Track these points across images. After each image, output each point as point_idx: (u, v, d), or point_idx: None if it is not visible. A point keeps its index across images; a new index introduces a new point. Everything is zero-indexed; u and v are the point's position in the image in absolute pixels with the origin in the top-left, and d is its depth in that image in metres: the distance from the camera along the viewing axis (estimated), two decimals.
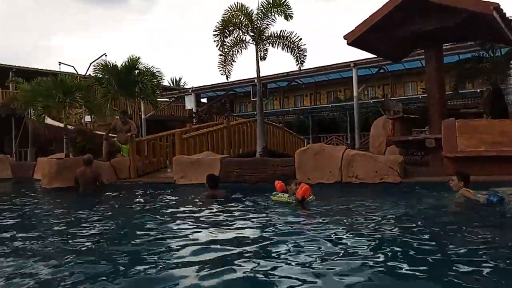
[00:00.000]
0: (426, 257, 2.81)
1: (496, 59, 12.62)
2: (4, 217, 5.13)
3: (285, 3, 11.00)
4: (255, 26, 11.26)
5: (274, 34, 11.44)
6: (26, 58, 62.28)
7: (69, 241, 3.71)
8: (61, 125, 11.78)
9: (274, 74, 20.78)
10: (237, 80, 21.62)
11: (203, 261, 2.81)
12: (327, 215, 4.44)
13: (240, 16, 11.27)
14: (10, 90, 20.47)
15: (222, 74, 12.00)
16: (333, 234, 3.51)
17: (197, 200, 6.02)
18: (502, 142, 6.34)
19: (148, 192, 7.44)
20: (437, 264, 2.68)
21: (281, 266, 2.66)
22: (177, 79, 39.42)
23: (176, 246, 3.31)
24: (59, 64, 20.76)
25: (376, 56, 13.14)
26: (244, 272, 2.54)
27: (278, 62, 25.93)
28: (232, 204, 5.46)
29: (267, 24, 11.36)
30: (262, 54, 11.64)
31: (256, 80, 12.24)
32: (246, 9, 11.22)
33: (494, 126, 6.62)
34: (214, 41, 11.51)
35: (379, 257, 2.82)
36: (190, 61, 66.33)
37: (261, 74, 12.06)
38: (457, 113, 8.54)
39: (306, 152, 7.22)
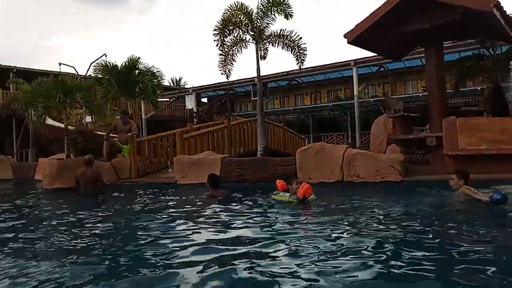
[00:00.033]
0: (426, 256, 2.80)
1: (497, 57, 12.60)
2: (5, 218, 5.14)
3: (285, 2, 10.97)
4: (255, 25, 11.24)
5: (274, 33, 11.41)
6: (26, 58, 62.34)
7: (70, 241, 3.71)
8: (62, 125, 11.78)
9: (274, 73, 20.77)
10: (237, 80, 21.61)
11: (204, 261, 2.81)
12: (329, 214, 4.43)
13: (240, 15, 11.25)
14: (10, 91, 20.46)
15: (222, 74, 12.00)
16: (335, 234, 3.51)
17: (198, 200, 6.02)
18: (502, 140, 6.33)
19: (149, 192, 7.44)
20: (438, 263, 2.68)
21: (282, 266, 2.66)
22: (177, 79, 39.44)
23: (177, 246, 3.31)
24: (60, 65, 20.79)
25: (376, 54, 13.12)
26: (245, 272, 2.54)
27: (278, 61, 25.91)
28: (233, 204, 5.46)
29: (267, 23, 11.34)
30: (262, 53, 11.62)
31: (256, 79, 12.22)
32: (246, 8, 11.20)
33: (495, 124, 6.61)
34: (214, 40, 11.51)
35: (380, 257, 2.82)
36: (190, 61, 66.38)
37: (261, 73, 12.04)
38: (458, 111, 8.52)
39: (307, 151, 7.22)
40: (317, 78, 25.67)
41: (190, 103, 23.23)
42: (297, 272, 2.52)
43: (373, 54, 13.04)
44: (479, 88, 15.62)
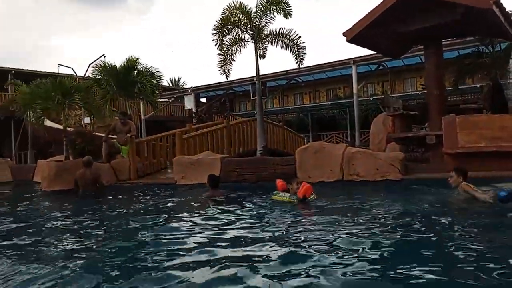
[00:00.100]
0: (427, 256, 2.79)
1: (496, 54, 12.60)
2: (4, 220, 5.12)
3: (284, 1, 10.95)
4: (254, 24, 11.22)
5: (273, 32, 11.40)
6: (26, 58, 62.28)
7: (70, 243, 3.70)
8: (61, 127, 11.77)
9: (273, 73, 20.75)
10: (236, 79, 21.60)
11: (203, 262, 2.80)
12: (329, 214, 4.42)
13: (238, 15, 11.22)
14: (9, 93, 20.45)
15: (221, 74, 11.98)
16: (335, 233, 3.49)
17: (198, 201, 6.00)
18: (501, 138, 6.32)
19: (149, 193, 7.42)
20: (438, 263, 2.66)
21: (281, 266, 2.65)
22: (176, 79, 39.44)
23: (177, 247, 3.30)
24: (58, 66, 20.77)
25: (375, 52, 13.11)
26: (245, 272, 2.53)
27: (277, 60, 25.92)
28: (233, 204, 5.44)
29: (266, 22, 11.32)
30: (261, 53, 11.61)
31: (255, 79, 12.20)
32: (245, 7, 11.18)
33: (494, 121, 6.59)
34: (213, 40, 11.50)
35: (380, 256, 2.81)
36: (190, 61, 66.46)
37: (261, 73, 12.02)
38: (457, 109, 8.52)
39: (306, 150, 7.20)
40: (316, 77, 25.64)
41: (189, 103, 23.21)
42: (297, 273, 2.51)
43: (372, 52, 13.02)
44: (478, 85, 15.59)
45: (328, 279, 2.35)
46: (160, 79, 14.19)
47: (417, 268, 2.49)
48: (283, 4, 10.96)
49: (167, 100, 26.05)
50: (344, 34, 7.86)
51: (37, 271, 2.76)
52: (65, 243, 3.72)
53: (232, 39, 11.55)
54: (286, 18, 11.06)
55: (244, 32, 11.43)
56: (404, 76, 26.37)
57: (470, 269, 2.49)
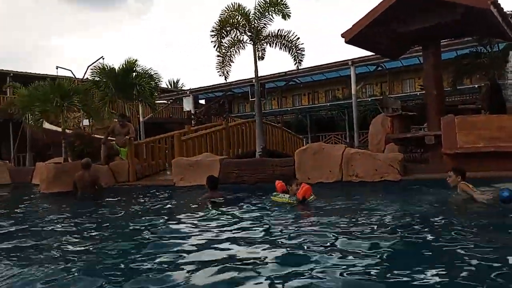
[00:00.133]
0: (426, 256, 2.79)
1: (494, 54, 12.62)
2: (3, 223, 5.10)
3: (282, 2, 10.96)
4: (253, 26, 11.23)
5: (272, 34, 11.40)
6: (26, 58, 62.23)
7: (68, 246, 3.68)
8: (59, 129, 11.73)
9: (272, 74, 20.75)
10: (235, 81, 21.59)
11: (203, 263, 2.80)
12: (328, 215, 4.41)
13: (237, 16, 11.23)
14: (7, 95, 20.41)
15: (220, 75, 11.98)
16: (334, 234, 3.49)
17: (197, 202, 5.99)
18: (500, 138, 6.33)
19: (148, 195, 7.41)
20: (437, 263, 2.66)
21: (281, 267, 2.65)
22: (175, 81, 39.45)
23: (176, 248, 3.30)
24: (57, 68, 20.74)
25: (373, 53, 13.12)
26: (244, 273, 2.52)
27: (276, 61, 25.88)
28: (232, 206, 5.43)
29: (265, 24, 11.33)
30: (260, 54, 11.60)
31: (254, 80, 12.20)
32: (243, 9, 11.19)
33: (492, 121, 6.61)
34: (212, 41, 11.50)
35: (380, 257, 2.81)
36: (190, 61, 66.61)
37: (259, 74, 12.02)
38: (455, 109, 8.53)
39: (305, 151, 7.20)
40: (315, 78, 25.66)
41: (187, 105, 23.18)
42: (297, 273, 2.50)
43: (371, 53, 13.04)
44: (476, 86, 15.64)
45: (327, 280, 2.35)
46: (159, 81, 14.16)
47: (416, 269, 2.49)
48: (282, 6, 10.97)
49: (165, 102, 26.03)
50: (343, 35, 7.87)
51: (35, 273, 2.75)
52: (63, 245, 3.70)
53: (231, 40, 11.56)
54: (285, 20, 11.08)
55: (243, 34, 11.44)
56: (403, 77, 26.41)
57: (470, 269, 2.49)
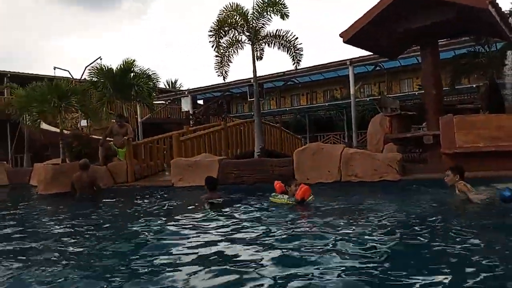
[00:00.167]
0: (426, 256, 2.78)
1: (492, 54, 12.65)
2: (1, 225, 5.07)
3: (280, 2, 10.95)
4: (251, 25, 11.22)
5: (270, 34, 11.39)
6: (26, 58, 62.02)
7: (67, 247, 3.66)
8: (57, 130, 11.72)
9: (270, 74, 20.75)
10: (233, 81, 21.57)
11: (202, 263, 2.79)
12: (327, 216, 4.40)
13: (235, 16, 11.22)
14: (5, 96, 20.36)
15: (218, 75, 11.98)
16: (333, 235, 3.48)
17: (195, 203, 5.97)
18: (499, 137, 6.33)
19: (146, 196, 7.39)
20: (437, 264, 2.65)
21: (280, 267, 2.63)
22: (173, 81, 39.39)
23: (175, 249, 3.28)
24: (54, 69, 20.70)
25: (372, 53, 13.12)
26: (244, 274, 2.51)
27: (274, 61, 25.94)
28: (231, 206, 5.42)
29: (263, 24, 11.32)
30: (258, 54, 11.60)
31: (252, 80, 12.19)
32: (242, 9, 11.17)
33: (491, 121, 6.61)
34: (210, 41, 11.48)
35: (379, 257, 2.79)
36: (190, 61, 66.63)
37: (258, 74, 12.01)
38: (454, 109, 8.53)
39: (304, 151, 7.19)
40: (313, 78, 25.66)
41: (186, 105, 23.15)
42: (296, 274, 2.49)
43: (369, 53, 13.04)
44: (474, 85, 15.65)
45: (326, 280, 2.34)
46: (157, 81, 14.17)
47: (415, 269, 2.48)
48: (280, 5, 10.96)
49: (164, 102, 25.99)
50: (341, 35, 7.88)
51: (33, 275, 2.74)
52: (62, 247, 3.68)
53: (229, 40, 11.55)
54: (283, 20, 11.06)
55: (241, 34, 11.42)
56: (401, 77, 26.44)
57: (470, 269, 2.48)
